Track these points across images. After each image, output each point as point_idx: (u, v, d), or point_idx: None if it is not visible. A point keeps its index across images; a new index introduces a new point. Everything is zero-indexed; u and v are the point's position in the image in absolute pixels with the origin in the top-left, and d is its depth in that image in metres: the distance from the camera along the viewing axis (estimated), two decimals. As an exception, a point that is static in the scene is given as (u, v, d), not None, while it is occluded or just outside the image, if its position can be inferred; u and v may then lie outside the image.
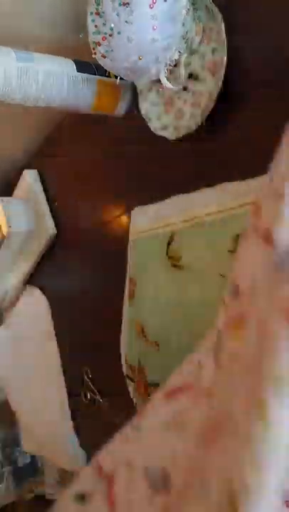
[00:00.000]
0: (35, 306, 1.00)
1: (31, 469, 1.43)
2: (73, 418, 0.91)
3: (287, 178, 0.28)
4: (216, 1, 0.46)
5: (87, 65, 0.57)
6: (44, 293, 0.97)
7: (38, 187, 0.89)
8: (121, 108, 0.62)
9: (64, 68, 0.55)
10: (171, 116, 0.55)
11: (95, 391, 0.80)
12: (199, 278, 0.51)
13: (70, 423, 0.91)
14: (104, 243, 0.73)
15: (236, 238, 0.46)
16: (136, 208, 0.61)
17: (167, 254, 0.56)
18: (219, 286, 0.49)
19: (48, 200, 0.88)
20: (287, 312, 0.25)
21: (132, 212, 0.61)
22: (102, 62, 0.49)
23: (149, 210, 0.59)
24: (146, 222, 0.59)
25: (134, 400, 0.65)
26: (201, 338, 0.53)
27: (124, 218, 0.67)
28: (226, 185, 0.47)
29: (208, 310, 0.51)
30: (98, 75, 0.58)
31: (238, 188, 0.46)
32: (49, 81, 0.53)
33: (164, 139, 0.54)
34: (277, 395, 0.25)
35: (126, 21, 0.43)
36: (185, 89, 0.52)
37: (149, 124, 0.57)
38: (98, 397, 0.79)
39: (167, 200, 0.55)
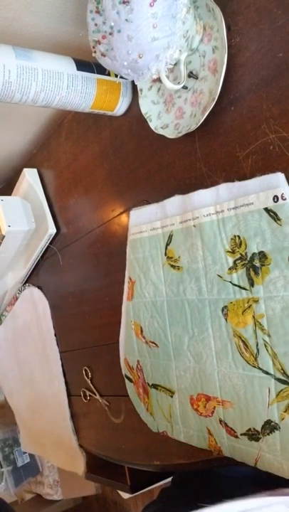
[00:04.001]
0: (34, 305, 1.00)
1: (31, 469, 1.43)
2: (73, 418, 0.91)
3: None
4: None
5: (86, 64, 0.57)
6: (44, 293, 0.97)
7: (38, 186, 0.89)
8: (121, 107, 0.62)
9: (64, 67, 0.55)
10: (171, 115, 0.54)
11: (95, 391, 0.80)
12: (197, 278, 0.51)
13: (70, 423, 0.91)
14: (104, 243, 0.72)
15: (234, 239, 0.46)
16: (134, 209, 0.61)
17: (166, 254, 0.56)
18: (217, 287, 0.49)
19: (47, 199, 0.88)
20: None
21: (131, 212, 0.61)
22: (101, 60, 0.49)
23: (148, 210, 0.58)
24: (144, 222, 0.59)
25: (133, 400, 0.65)
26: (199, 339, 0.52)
27: (123, 217, 0.67)
28: (224, 186, 0.47)
29: (207, 311, 0.51)
30: (98, 73, 0.58)
31: (236, 189, 0.46)
32: (49, 79, 0.53)
33: (164, 137, 0.54)
34: None
35: (126, 19, 0.43)
36: (185, 88, 0.52)
37: (149, 123, 0.56)
38: (98, 397, 0.79)
39: (166, 201, 0.55)
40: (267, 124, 0.43)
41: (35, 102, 0.54)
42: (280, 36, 0.41)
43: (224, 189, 0.47)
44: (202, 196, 0.50)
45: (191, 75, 0.50)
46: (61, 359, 0.92)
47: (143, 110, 0.57)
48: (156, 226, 0.57)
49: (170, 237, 0.55)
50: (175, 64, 0.50)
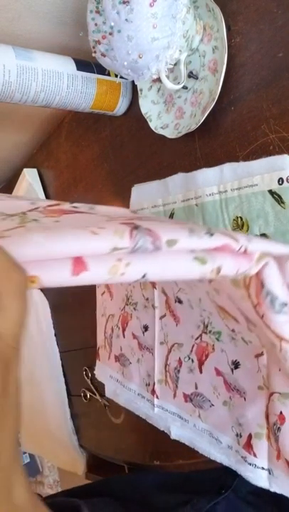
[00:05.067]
0: (35, 306, 1.00)
1: (31, 469, 1.42)
2: (73, 418, 0.91)
3: None
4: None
5: (86, 64, 0.57)
6: (44, 293, 0.96)
7: (38, 186, 0.89)
8: (121, 107, 0.62)
9: (64, 67, 0.55)
10: (171, 115, 0.54)
11: (95, 391, 0.80)
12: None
13: (70, 423, 0.91)
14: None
15: (236, 220, 0.46)
16: (136, 185, 0.60)
17: None
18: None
19: (47, 199, 0.88)
20: None
21: (133, 188, 0.60)
22: (101, 60, 0.49)
23: (150, 186, 0.57)
24: (146, 199, 0.58)
25: (134, 400, 0.65)
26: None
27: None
28: (229, 165, 0.46)
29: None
30: (98, 73, 0.58)
31: (240, 170, 0.45)
32: (48, 79, 0.53)
33: (164, 137, 0.54)
34: None
35: (126, 20, 0.43)
36: (185, 88, 0.52)
37: (149, 123, 0.56)
38: (98, 397, 0.79)
39: (168, 179, 0.54)
40: (267, 124, 0.43)
41: (35, 102, 0.54)
42: (280, 36, 0.41)
43: (228, 169, 0.46)
44: (205, 175, 0.48)
45: (191, 75, 0.50)
46: (61, 359, 0.92)
47: (143, 110, 0.57)
48: (158, 203, 0.56)
49: (171, 215, 0.54)
50: (175, 64, 0.50)
